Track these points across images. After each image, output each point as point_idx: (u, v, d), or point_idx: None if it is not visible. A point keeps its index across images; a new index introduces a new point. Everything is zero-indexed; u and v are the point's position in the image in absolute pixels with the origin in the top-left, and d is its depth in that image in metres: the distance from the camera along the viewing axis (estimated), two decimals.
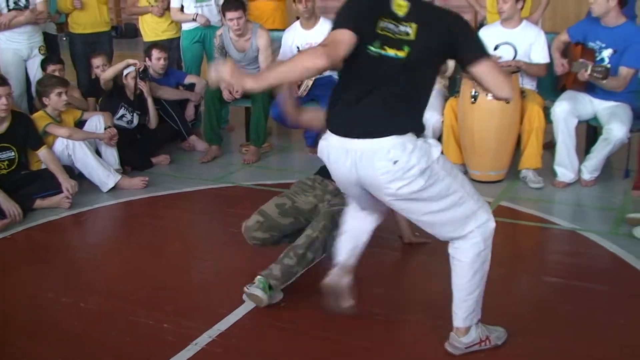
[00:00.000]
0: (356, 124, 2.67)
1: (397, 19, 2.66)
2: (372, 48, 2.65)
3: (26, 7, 6.02)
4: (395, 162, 2.61)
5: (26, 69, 6.19)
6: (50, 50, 6.43)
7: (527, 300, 3.47)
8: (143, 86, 5.86)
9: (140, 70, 5.83)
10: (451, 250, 2.86)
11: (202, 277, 3.81)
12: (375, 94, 2.66)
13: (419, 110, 2.77)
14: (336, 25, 2.68)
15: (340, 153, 2.73)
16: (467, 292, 2.87)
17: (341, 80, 2.83)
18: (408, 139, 2.64)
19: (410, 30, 2.64)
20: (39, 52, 6.15)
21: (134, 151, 5.72)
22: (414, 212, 2.79)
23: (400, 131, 2.63)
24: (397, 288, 3.65)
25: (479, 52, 2.66)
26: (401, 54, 2.63)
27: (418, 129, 2.70)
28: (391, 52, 2.64)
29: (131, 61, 5.88)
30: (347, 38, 2.63)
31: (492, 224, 2.86)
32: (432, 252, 3.74)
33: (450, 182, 2.72)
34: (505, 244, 4.22)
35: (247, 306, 3.38)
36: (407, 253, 4.02)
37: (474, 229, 2.80)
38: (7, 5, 5.96)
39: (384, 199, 2.77)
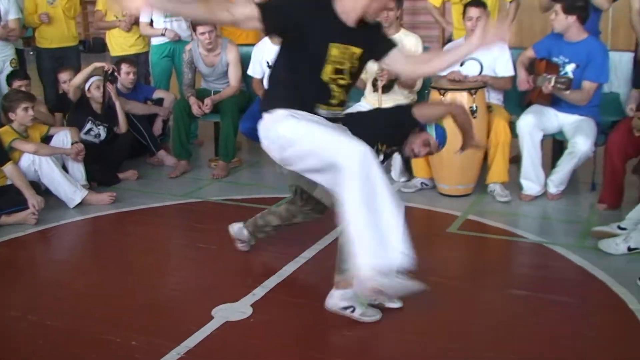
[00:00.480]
0: None
1: None
2: None
3: None
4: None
5: None
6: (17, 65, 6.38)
7: (494, 314, 3.49)
8: (111, 89, 5.82)
9: (109, 72, 5.80)
10: None
11: (170, 294, 3.78)
12: None
13: (278, 89, 3.11)
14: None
15: None
16: None
17: None
18: (267, 115, 3.07)
19: None
20: (10, 65, 6.11)
21: (101, 166, 5.67)
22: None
23: (265, 108, 3.08)
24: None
25: None
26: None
27: (277, 104, 3.02)
28: None
29: (98, 64, 5.86)
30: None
31: (352, 161, 2.76)
32: None
33: (295, 150, 2.98)
34: (473, 258, 4.26)
35: (216, 322, 3.36)
36: None
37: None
38: None
39: None
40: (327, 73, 3.00)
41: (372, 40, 3.11)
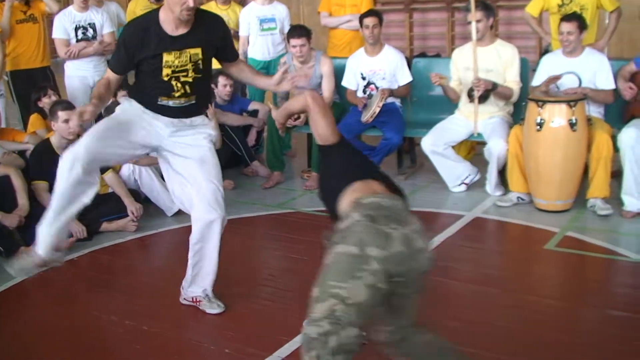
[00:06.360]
0: None
1: None
2: None
3: (94, 37, 6.23)
4: None
5: None
6: None
7: (592, 334, 3.37)
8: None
9: None
10: None
11: (263, 303, 3.83)
12: None
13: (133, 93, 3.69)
14: None
15: None
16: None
17: None
18: None
19: None
20: None
21: None
22: None
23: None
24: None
25: None
26: None
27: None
28: None
29: None
30: None
31: None
32: None
33: None
34: (571, 276, 4.13)
35: None
36: None
37: None
38: (76, 36, 6.19)
39: None
40: (166, 74, 3.44)
41: (211, 38, 3.52)
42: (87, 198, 3.48)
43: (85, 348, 3.46)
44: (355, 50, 6.70)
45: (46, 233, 3.43)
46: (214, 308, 3.69)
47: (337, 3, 6.87)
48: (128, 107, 3.60)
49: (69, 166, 3.32)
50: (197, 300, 3.72)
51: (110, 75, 3.58)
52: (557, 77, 5.03)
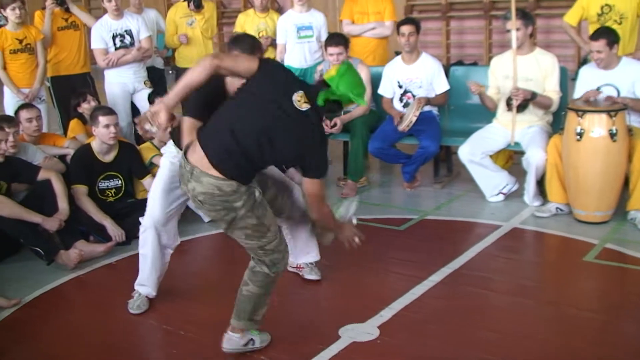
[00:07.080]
0: None
1: None
2: None
3: (132, 44, 6.29)
4: None
5: (132, 101, 6.46)
6: (158, 83, 6.69)
7: (631, 349, 3.32)
8: None
9: None
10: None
11: (299, 311, 3.83)
12: None
13: None
14: None
15: None
16: None
17: None
18: None
19: None
20: (145, 86, 6.41)
21: None
22: None
23: None
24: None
25: None
26: None
27: None
28: None
29: None
30: None
31: None
32: None
33: None
34: (610, 288, 4.07)
35: (343, 342, 3.38)
36: None
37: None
38: (114, 44, 6.26)
39: None
40: None
41: None
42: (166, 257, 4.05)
43: (120, 352, 3.50)
44: (379, 58, 6.71)
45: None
46: (312, 275, 4.15)
47: (360, 11, 6.86)
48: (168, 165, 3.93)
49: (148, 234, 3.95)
50: (300, 267, 4.17)
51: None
52: (597, 93, 4.97)
